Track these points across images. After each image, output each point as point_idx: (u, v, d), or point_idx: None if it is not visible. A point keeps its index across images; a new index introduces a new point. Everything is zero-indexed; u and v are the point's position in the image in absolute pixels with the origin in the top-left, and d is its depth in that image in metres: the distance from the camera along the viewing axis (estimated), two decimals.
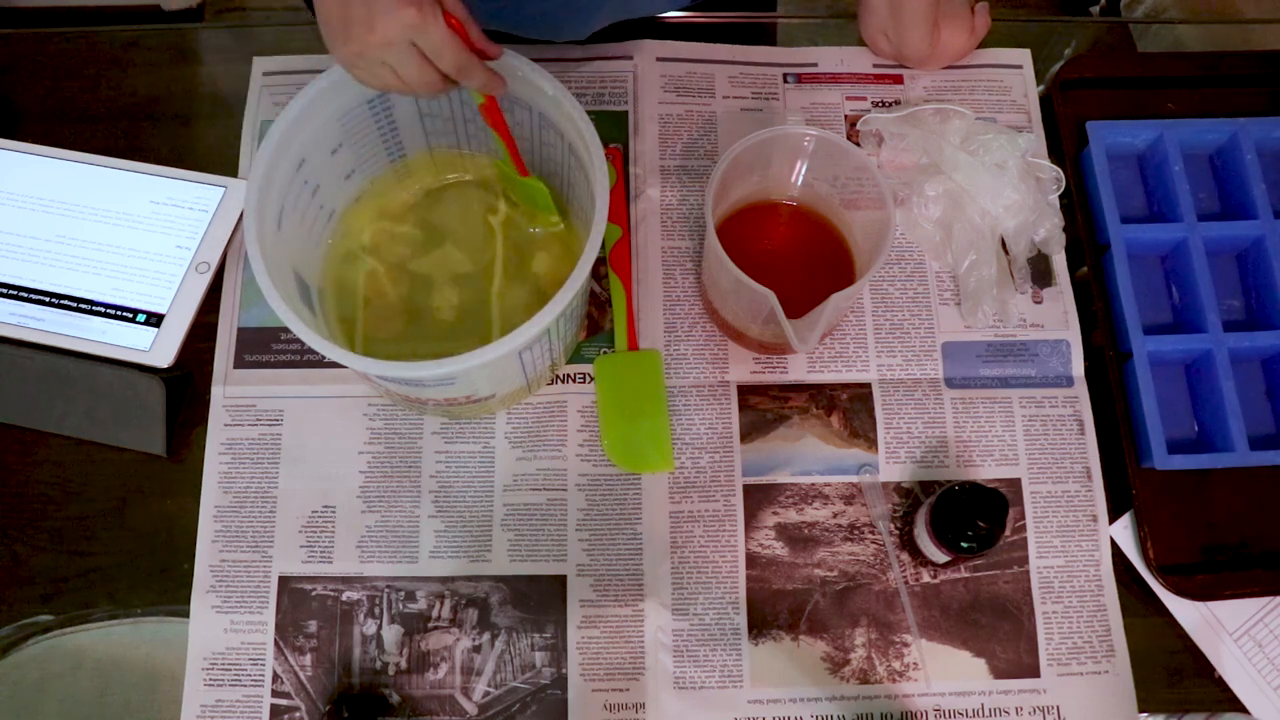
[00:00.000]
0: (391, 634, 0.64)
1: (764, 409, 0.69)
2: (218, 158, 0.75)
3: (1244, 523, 0.68)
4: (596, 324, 0.71)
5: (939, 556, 0.63)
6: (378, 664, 0.64)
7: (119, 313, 0.70)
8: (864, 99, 0.78)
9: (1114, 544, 0.67)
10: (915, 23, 0.73)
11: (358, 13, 0.50)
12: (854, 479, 0.68)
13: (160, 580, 0.66)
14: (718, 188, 0.62)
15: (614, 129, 0.75)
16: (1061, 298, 0.73)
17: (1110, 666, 0.65)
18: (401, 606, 0.65)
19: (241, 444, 0.68)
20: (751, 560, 0.66)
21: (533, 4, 0.68)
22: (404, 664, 0.64)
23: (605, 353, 0.70)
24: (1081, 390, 0.71)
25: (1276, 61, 0.79)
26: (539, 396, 0.69)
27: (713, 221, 0.61)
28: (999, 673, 0.65)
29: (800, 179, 0.68)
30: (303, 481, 0.67)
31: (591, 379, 0.69)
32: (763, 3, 0.91)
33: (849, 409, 0.69)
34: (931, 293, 0.73)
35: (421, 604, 0.65)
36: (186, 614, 0.64)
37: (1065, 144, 0.76)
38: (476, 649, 0.64)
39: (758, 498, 0.67)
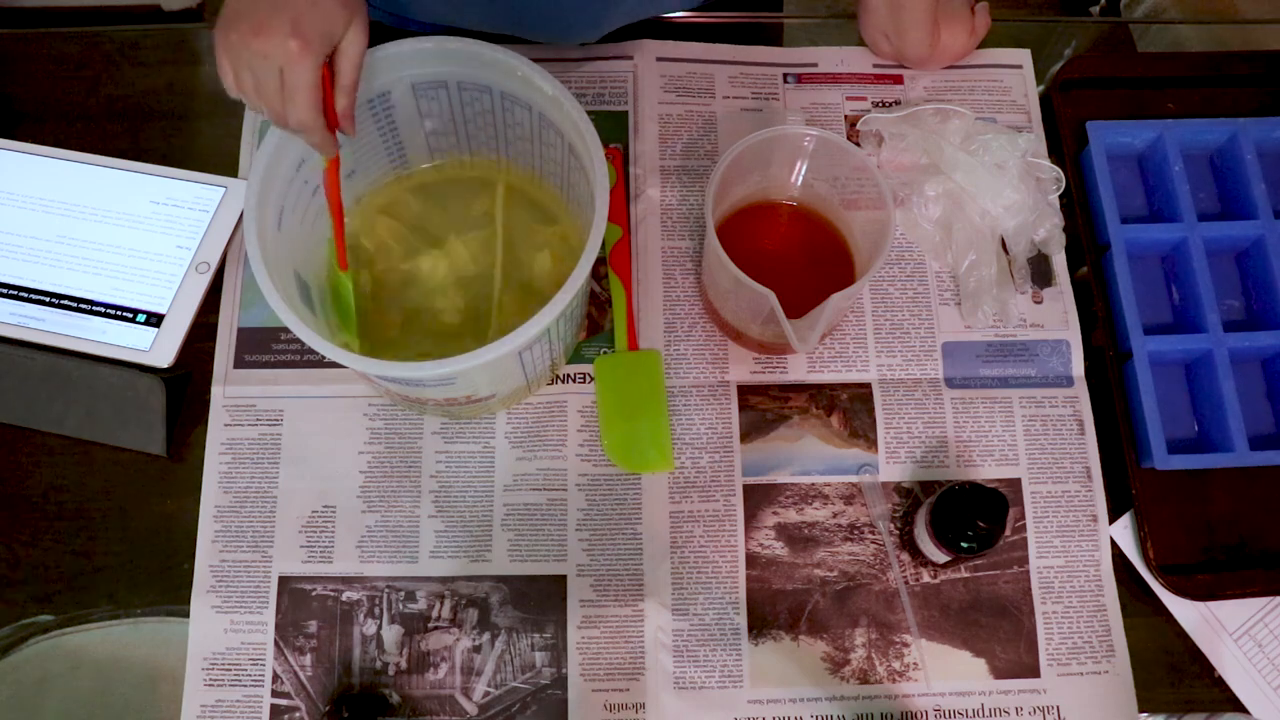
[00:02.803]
0: (391, 634, 0.64)
1: (764, 409, 0.69)
2: (218, 158, 0.75)
3: (1244, 523, 0.68)
4: (596, 324, 0.71)
5: (939, 556, 0.63)
6: (378, 664, 0.64)
7: (119, 313, 0.70)
8: (864, 99, 0.78)
9: (1114, 544, 0.67)
10: (915, 23, 0.73)
11: (259, 13, 0.50)
12: (854, 479, 0.68)
13: (160, 580, 0.66)
14: (718, 188, 0.62)
15: (614, 129, 0.75)
16: (1061, 298, 0.73)
17: (1110, 666, 0.65)
18: (401, 606, 0.65)
19: (241, 444, 0.68)
20: (751, 560, 0.66)
21: (545, 6, 0.68)
22: (404, 664, 0.64)
23: (605, 353, 0.70)
24: (1081, 390, 0.71)
25: (1276, 61, 0.79)
26: (539, 396, 0.69)
27: (713, 221, 0.61)
28: (999, 673, 0.65)
29: (800, 179, 0.68)
30: (303, 481, 0.67)
31: (591, 379, 0.69)
32: (766, 2, 0.91)
33: (849, 409, 0.69)
34: (931, 293, 0.73)
35: (421, 604, 0.65)
36: (186, 614, 0.64)
37: (1065, 144, 0.76)
38: (476, 649, 0.64)
39: (758, 498, 0.67)
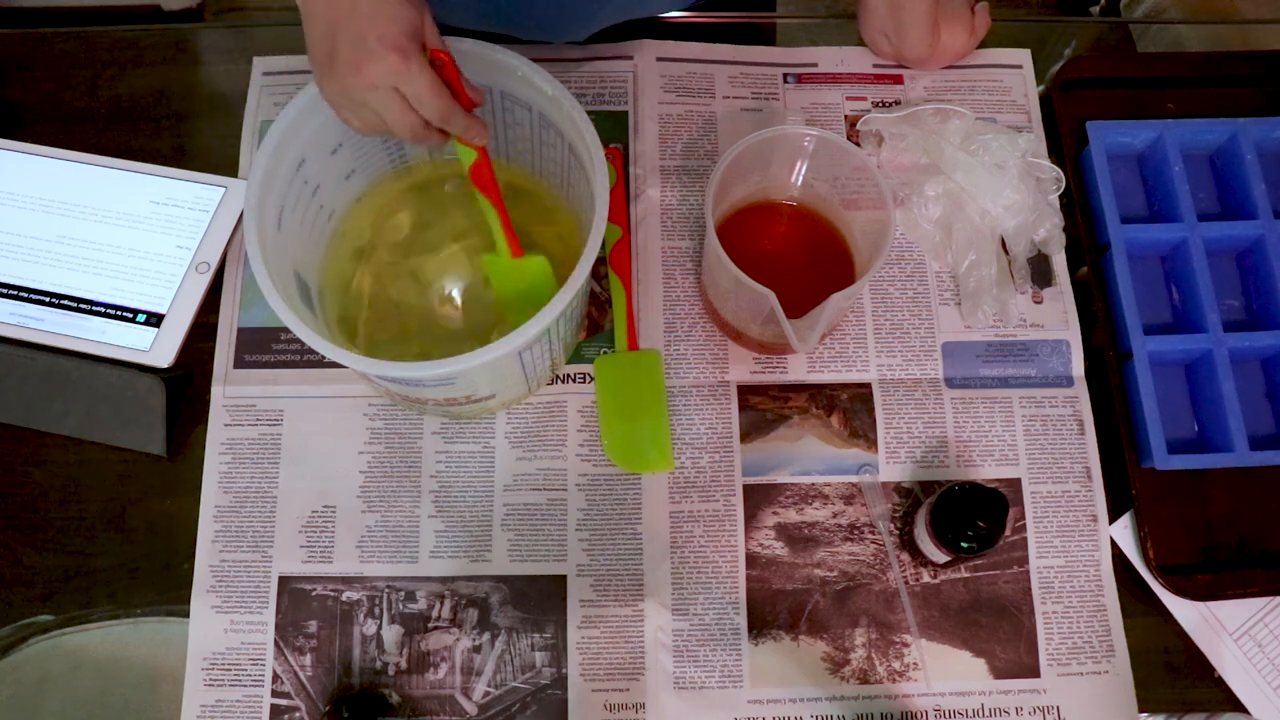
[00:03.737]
0: (391, 634, 0.64)
1: (764, 409, 0.69)
2: (218, 158, 0.75)
3: (1244, 523, 0.68)
4: (596, 324, 0.71)
5: (939, 556, 0.63)
6: (378, 664, 0.64)
7: (119, 313, 0.70)
8: (864, 99, 0.78)
9: (1114, 544, 0.67)
10: (915, 23, 0.73)
11: (345, 54, 0.50)
12: (854, 479, 0.68)
13: (160, 580, 0.66)
14: (718, 188, 0.62)
15: (614, 129, 0.75)
16: (1061, 298, 0.73)
17: (1110, 666, 0.65)
18: (401, 606, 0.65)
19: (241, 444, 0.68)
20: (751, 560, 0.66)
21: (533, 5, 0.68)
22: (404, 664, 0.64)
23: (605, 353, 0.70)
24: (1081, 390, 0.71)
25: (1276, 61, 0.79)
26: (539, 396, 0.69)
27: (713, 221, 0.61)
28: (999, 673, 0.65)
29: (800, 179, 0.68)
30: (303, 481, 0.67)
31: (591, 379, 0.69)
32: (763, 3, 0.91)
33: (849, 409, 0.69)
34: (931, 293, 0.73)
35: (421, 604, 0.65)
36: (186, 614, 0.64)
37: (1065, 144, 0.76)
38: (476, 649, 0.64)
39: (758, 498, 0.67)
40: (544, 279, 0.65)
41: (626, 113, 0.76)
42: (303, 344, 0.55)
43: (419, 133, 0.54)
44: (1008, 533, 0.67)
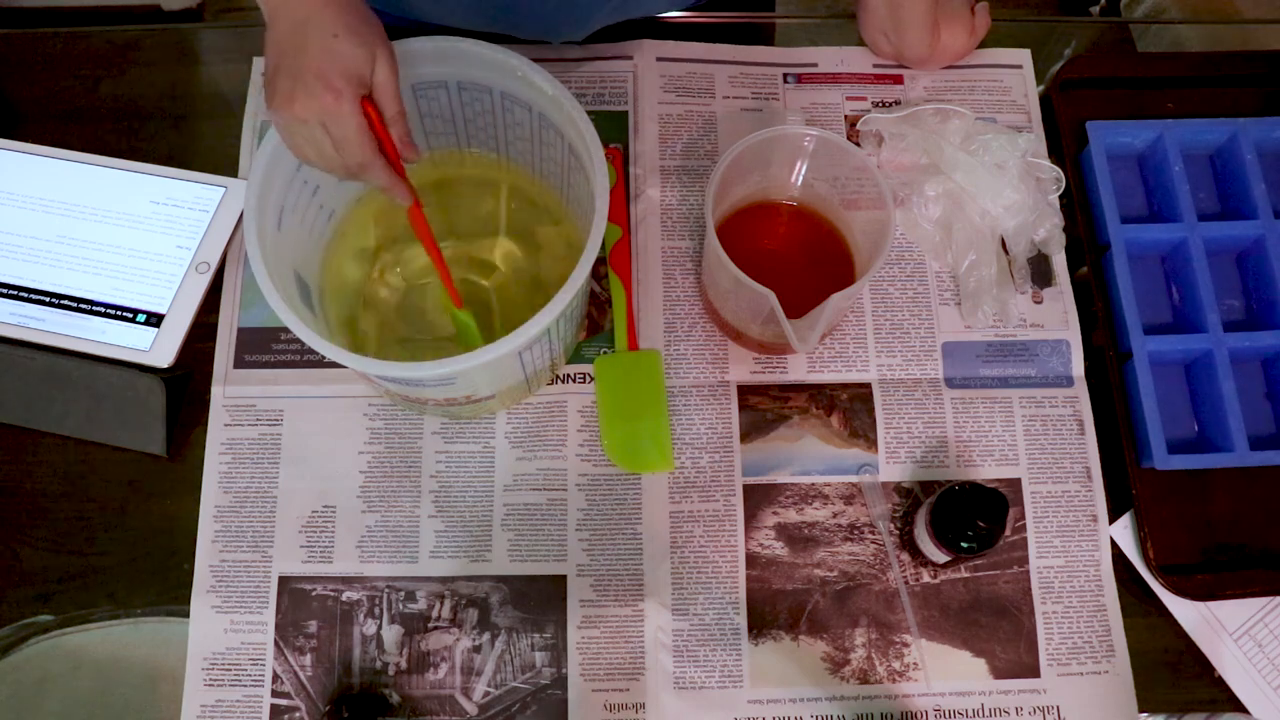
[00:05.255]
0: (391, 634, 0.64)
1: (764, 409, 0.69)
2: (218, 158, 0.75)
3: (1244, 523, 0.68)
4: (596, 324, 0.71)
5: (939, 556, 0.63)
6: (378, 664, 0.64)
7: (119, 313, 0.70)
8: (864, 99, 0.78)
9: (1114, 544, 0.67)
10: (915, 23, 0.73)
11: (283, 85, 0.51)
12: (854, 479, 0.68)
13: (160, 580, 0.66)
14: (718, 188, 0.62)
15: (614, 129, 0.75)
16: (1061, 298, 0.73)
17: (1110, 666, 0.65)
18: (401, 606, 0.65)
19: (241, 444, 0.68)
20: (751, 560, 0.66)
21: (530, 4, 0.68)
22: (404, 664, 0.64)
23: (605, 353, 0.70)
24: (1081, 390, 0.71)
25: (1276, 61, 0.79)
26: (539, 396, 0.69)
27: (713, 221, 0.61)
28: (999, 673, 0.65)
29: (800, 179, 0.68)
30: (303, 481, 0.67)
31: (591, 379, 0.69)
32: (762, 3, 0.91)
33: (849, 409, 0.69)
34: (931, 293, 0.73)
35: (421, 604, 0.65)
36: (186, 614, 0.64)
37: (1065, 144, 0.76)
38: (476, 649, 0.64)
39: (758, 498, 0.67)
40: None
41: (626, 113, 0.76)
42: (303, 344, 0.55)
43: (342, 174, 0.55)
44: (1008, 533, 0.67)
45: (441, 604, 0.65)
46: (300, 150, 0.54)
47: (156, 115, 0.77)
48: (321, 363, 0.69)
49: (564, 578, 0.65)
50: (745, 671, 0.64)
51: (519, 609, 0.65)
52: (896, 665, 0.65)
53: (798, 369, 0.70)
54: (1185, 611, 0.66)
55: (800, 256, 0.70)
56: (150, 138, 0.76)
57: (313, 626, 0.64)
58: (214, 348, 0.69)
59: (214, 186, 0.74)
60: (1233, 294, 0.74)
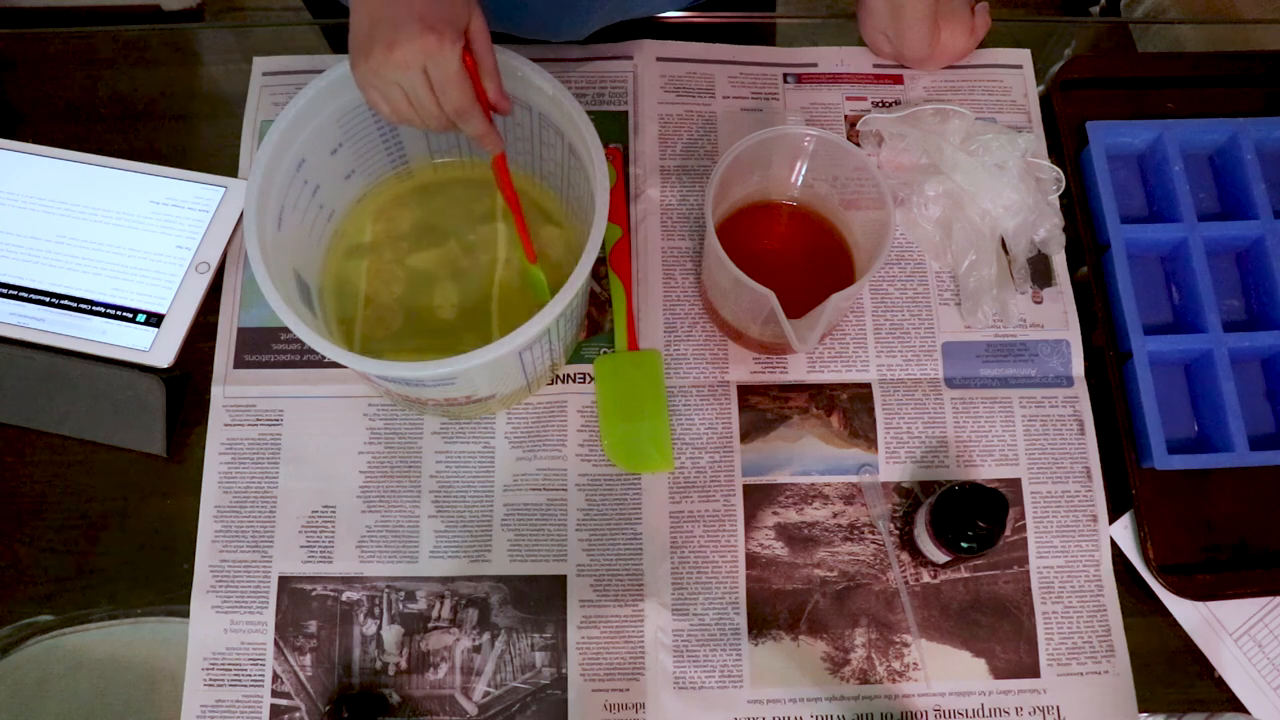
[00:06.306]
0: (391, 634, 0.64)
1: (764, 409, 0.69)
2: (218, 158, 0.75)
3: (1244, 523, 0.68)
4: (596, 324, 0.71)
5: (939, 556, 0.63)
6: (378, 664, 0.64)
7: (119, 313, 0.70)
8: (864, 99, 0.78)
9: (1114, 544, 0.67)
10: (915, 23, 0.73)
11: (383, 33, 0.51)
12: (854, 479, 0.68)
13: (160, 580, 0.66)
14: (718, 188, 0.62)
15: (614, 129, 0.75)
16: (1061, 298, 0.73)
17: (1110, 666, 0.65)
18: (401, 606, 0.65)
19: (241, 444, 0.68)
20: (751, 560, 0.66)
21: (530, 4, 0.68)
22: (404, 664, 0.64)
23: (605, 353, 0.70)
24: (1081, 390, 0.71)
25: (1276, 61, 0.79)
26: (539, 396, 0.69)
27: (713, 221, 0.61)
28: (999, 673, 0.65)
29: (800, 179, 0.68)
30: (303, 481, 0.67)
31: (591, 379, 0.69)
32: (762, 3, 0.91)
33: (849, 409, 0.69)
34: (931, 293, 0.73)
35: (421, 604, 0.65)
36: (186, 614, 0.64)
37: (1065, 144, 0.76)
38: (476, 649, 0.64)
39: (758, 498, 0.67)
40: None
41: (626, 113, 0.76)
42: (303, 344, 0.55)
43: (440, 123, 0.55)
44: (1008, 533, 0.67)
45: (441, 604, 0.65)
46: (395, 103, 0.54)
47: (156, 115, 0.77)
48: (321, 363, 0.69)
49: (564, 578, 0.65)
50: (745, 671, 0.64)
51: (519, 609, 0.65)
52: (896, 665, 0.65)
53: (798, 369, 0.70)
54: (1185, 611, 0.66)
55: (800, 256, 0.70)
56: (150, 138, 0.76)
57: (313, 626, 0.64)
58: (214, 348, 0.69)
59: (214, 186, 0.74)
60: (1233, 294, 0.74)
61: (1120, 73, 0.79)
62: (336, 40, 0.80)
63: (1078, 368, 0.71)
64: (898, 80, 0.78)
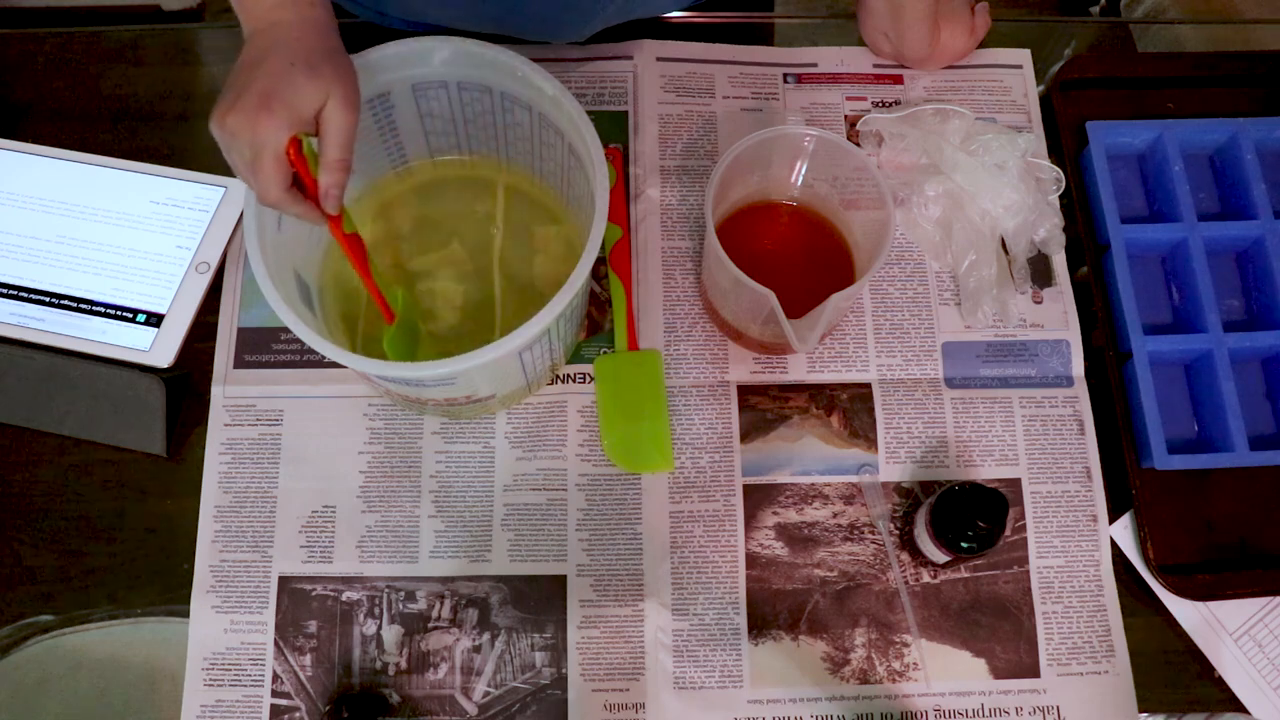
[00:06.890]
0: (391, 634, 0.64)
1: (764, 409, 0.69)
2: (218, 158, 0.73)
3: (1244, 523, 0.68)
4: (596, 324, 0.71)
5: (939, 556, 0.63)
6: (378, 664, 0.64)
7: (119, 313, 0.70)
8: (864, 99, 0.78)
9: (1114, 544, 0.67)
10: (915, 23, 0.73)
11: (227, 96, 0.51)
12: (854, 479, 0.68)
13: (160, 580, 0.66)
14: (718, 188, 0.62)
15: (614, 129, 0.75)
16: (1061, 298, 0.73)
17: (1110, 666, 0.65)
18: (401, 606, 0.65)
19: (241, 444, 0.68)
20: (751, 560, 0.66)
21: (532, 5, 0.68)
22: (404, 664, 0.64)
23: (605, 353, 0.70)
24: (1081, 390, 0.71)
25: (1276, 61, 0.79)
26: (539, 396, 0.69)
27: (713, 221, 0.61)
28: (999, 673, 0.65)
29: (800, 179, 0.68)
30: (303, 481, 0.67)
31: (591, 379, 0.69)
32: (762, 3, 0.91)
33: (849, 409, 0.69)
34: (931, 293, 0.73)
35: (421, 604, 0.65)
36: (186, 614, 0.64)
37: (1065, 144, 0.76)
38: (476, 649, 0.64)
39: (758, 498, 0.67)
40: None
41: (626, 113, 0.76)
42: (303, 344, 0.55)
43: (259, 199, 0.54)
44: (1008, 533, 0.67)
45: (441, 604, 0.65)
46: (230, 161, 0.54)
47: (156, 115, 0.77)
48: (321, 363, 0.69)
49: (564, 578, 0.65)
50: (745, 671, 0.64)
51: (519, 609, 0.65)
52: (896, 665, 0.65)
53: (798, 369, 0.70)
54: (1185, 611, 0.66)
55: (800, 256, 0.70)
56: (150, 138, 0.76)
57: (313, 626, 0.64)
58: (214, 348, 0.69)
59: (214, 186, 0.74)
60: (1233, 294, 0.74)
61: (1120, 73, 0.79)
62: None
63: (1078, 368, 0.71)
64: (898, 80, 0.78)
